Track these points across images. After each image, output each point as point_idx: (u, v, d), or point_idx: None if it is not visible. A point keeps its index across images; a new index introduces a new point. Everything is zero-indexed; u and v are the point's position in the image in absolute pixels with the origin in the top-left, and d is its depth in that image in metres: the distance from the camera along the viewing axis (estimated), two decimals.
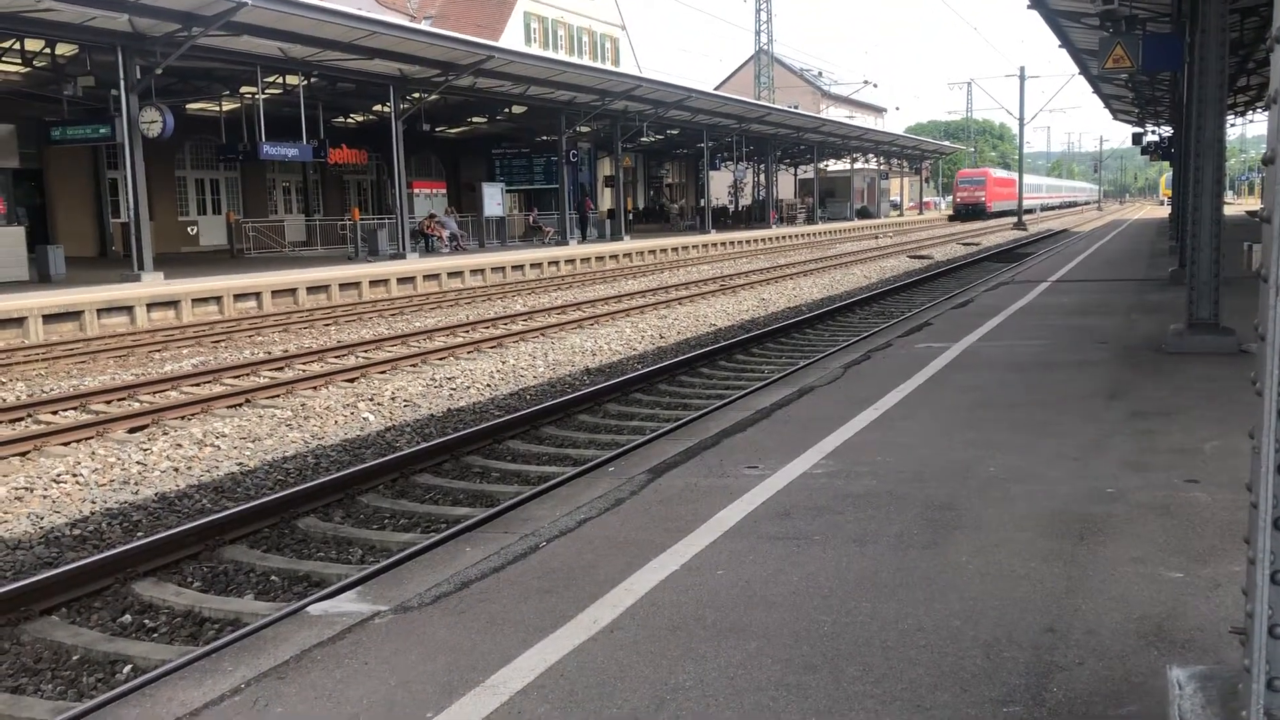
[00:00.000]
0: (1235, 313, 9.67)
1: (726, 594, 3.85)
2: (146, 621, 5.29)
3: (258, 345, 15.26)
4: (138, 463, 8.27)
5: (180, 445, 8.80)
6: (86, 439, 8.97)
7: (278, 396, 10.78)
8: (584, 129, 38.30)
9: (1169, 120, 31.62)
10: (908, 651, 3.31)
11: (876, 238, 47.77)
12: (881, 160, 68.85)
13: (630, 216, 44.32)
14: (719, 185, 60.28)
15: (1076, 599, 3.69)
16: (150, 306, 17.57)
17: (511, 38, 49.04)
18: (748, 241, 40.92)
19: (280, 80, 26.41)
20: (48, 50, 21.90)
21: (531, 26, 52.35)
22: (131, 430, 9.35)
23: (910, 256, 33.57)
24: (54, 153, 27.40)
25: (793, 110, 48.11)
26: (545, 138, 39.16)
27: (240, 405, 10.41)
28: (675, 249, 35.29)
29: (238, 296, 19.21)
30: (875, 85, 73.21)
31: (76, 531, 6.73)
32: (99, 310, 16.74)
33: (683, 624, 3.59)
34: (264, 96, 25.49)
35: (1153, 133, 35.68)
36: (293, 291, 20.45)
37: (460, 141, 42.10)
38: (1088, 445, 5.91)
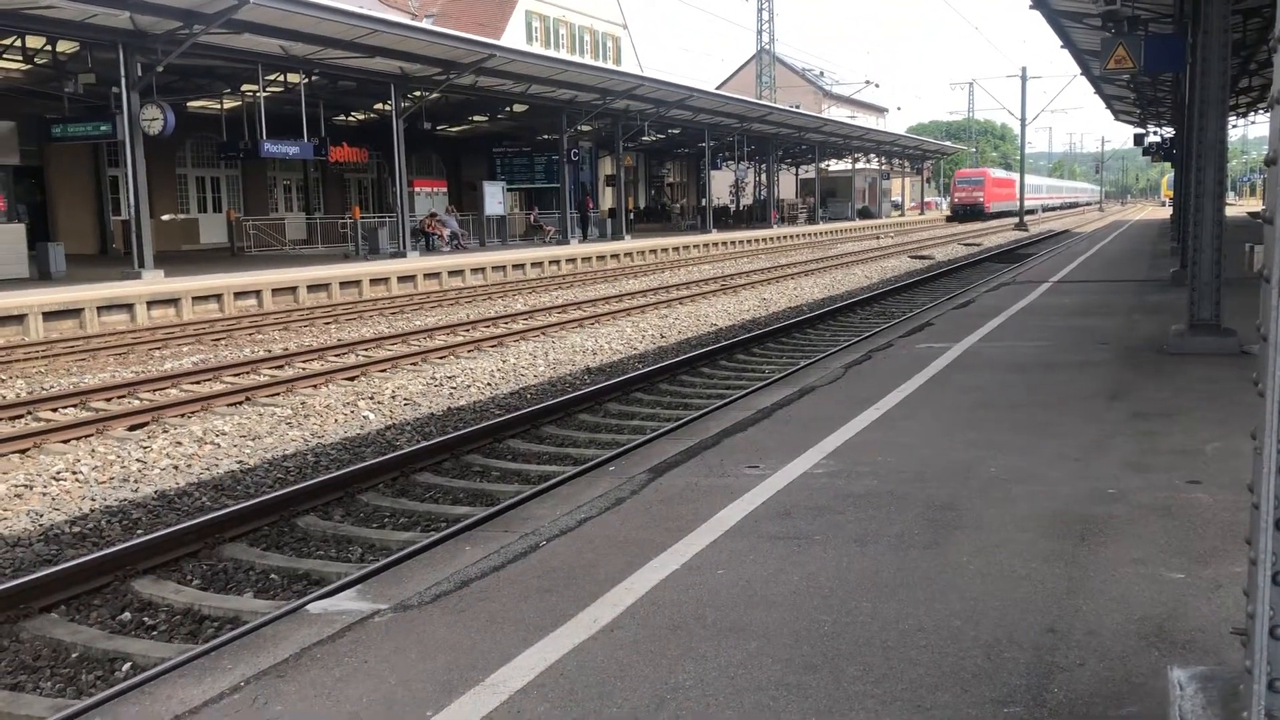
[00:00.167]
0: (1237, 314, 9.66)
1: (727, 593, 3.84)
2: (146, 619, 5.29)
3: (258, 343, 15.26)
4: (137, 460, 8.27)
5: (180, 443, 8.79)
6: (86, 436, 8.97)
7: (278, 395, 10.78)
8: (585, 128, 38.31)
9: (1171, 121, 31.65)
10: (908, 651, 3.31)
11: (878, 238, 47.76)
12: (883, 160, 68.88)
13: (631, 216, 44.28)
14: (720, 185, 60.25)
15: (1077, 599, 3.68)
16: (150, 304, 17.57)
17: (513, 36, 49.04)
18: (749, 241, 40.90)
19: (281, 78, 26.41)
20: (49, 47, 21.92)
21: (533, 25, 52.34)
22: (131, 428, 9.35)
23: (911, 257, 33.55)
24: (55, 150, 27.40)
25: (794, 110, 48.13)
26: (546, 136, 39.15)
27: (240, 403, 10.41)
28: (676, 248, 35.27)
29: (238, 294, 19.21)
30: (877, 85, 73.41)
31: (76, 529, 6.72)
32: (99, 308, 16.74)
33: (683, 623, 3.59)
34: (265, 94, 25.46)
35: (1154, 134, 35.69)
36: (293, 290, 20.45)
37: (461, 140, 42.10)
38: (1089, 446, 5.90)
